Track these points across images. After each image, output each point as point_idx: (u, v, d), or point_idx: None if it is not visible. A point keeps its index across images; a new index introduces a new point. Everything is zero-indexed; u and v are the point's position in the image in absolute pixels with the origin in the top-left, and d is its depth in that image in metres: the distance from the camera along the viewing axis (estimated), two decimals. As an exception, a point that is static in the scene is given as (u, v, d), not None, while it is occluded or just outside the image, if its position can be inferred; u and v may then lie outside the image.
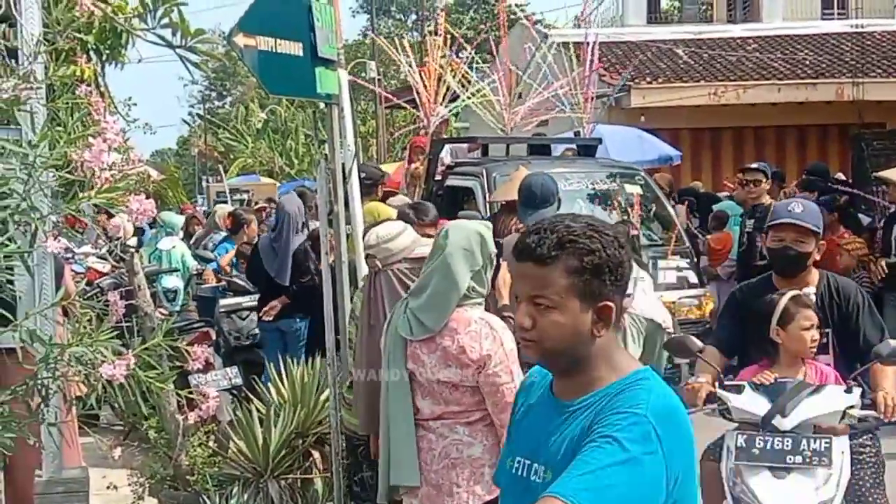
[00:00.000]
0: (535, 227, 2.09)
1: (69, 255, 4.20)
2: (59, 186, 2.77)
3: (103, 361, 2.61)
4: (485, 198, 7.99)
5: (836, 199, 9.27)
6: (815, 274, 4.26)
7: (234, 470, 5.56)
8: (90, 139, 2.65)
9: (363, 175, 6.58)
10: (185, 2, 2.74)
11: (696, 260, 8.65)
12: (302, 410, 5.64)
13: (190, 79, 52.89)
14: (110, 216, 3.09)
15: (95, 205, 2.68)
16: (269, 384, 6.17)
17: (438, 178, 8.89)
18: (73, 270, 7.04)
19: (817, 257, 4.23)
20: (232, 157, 36.91)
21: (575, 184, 8.31)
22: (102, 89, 4.70)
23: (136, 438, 6.65)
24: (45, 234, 2.69)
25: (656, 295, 5.56)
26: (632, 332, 4.80)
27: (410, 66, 9.99)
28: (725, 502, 3.93)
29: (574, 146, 9.80)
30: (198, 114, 51.09)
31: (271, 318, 7.62)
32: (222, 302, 8.39)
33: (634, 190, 8.41)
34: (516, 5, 24.40)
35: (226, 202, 18.47)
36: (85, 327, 2.75)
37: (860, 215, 9.75)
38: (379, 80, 20.09)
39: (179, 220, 11.89)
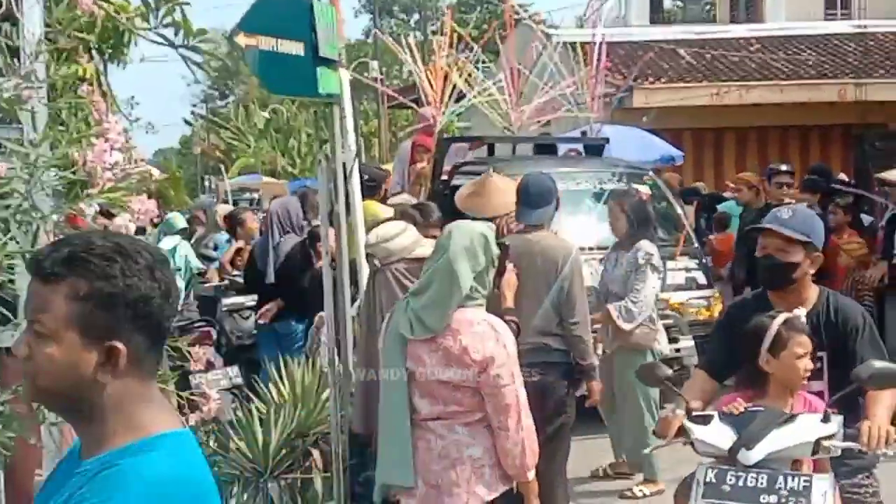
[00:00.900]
0: (60, 238, 1.80)
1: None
2: (61, 186, 2.78)
3: (103, 361, 2.60)
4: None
5: (844, 200, 9.26)
6: (813, 290, 3.79)
7: (234, 470, 5.56)
8: (93, 139, 2.65)
9: (366, 177, 6.57)
10: (187, 1, 2.75)
11: (704, 260, 8.61)
12: (302, 410, 5.64)
13: (193, 78, 52.96)
14: (111, 217, 3.09)
15: (96, 205, 2.68)
16: (270, 384, 6.16)
17: (444, 177, 8.87)
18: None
19: (810, 270, 3.76)
20: (234, 156, 36.91)
21: (583, 183, 8.31)
22: (104, 89, 4.70)
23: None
24: (47, 234, 2.69)
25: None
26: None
27: (416, 63, 9.96)
28: None
29: (577, 146, 9.80)
30: (200, 114, 51.09)
31: (267, 321, 7.63)
32: (224, 301, 8.40)
33: (643, 190, 8.39)
34: (519, 5, 24.38)
35: (227, 202, 18.44)
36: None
37: (862, 216, 9.77)
38: (381, 79, 20.06)
39: (181, 220, 11.89)
